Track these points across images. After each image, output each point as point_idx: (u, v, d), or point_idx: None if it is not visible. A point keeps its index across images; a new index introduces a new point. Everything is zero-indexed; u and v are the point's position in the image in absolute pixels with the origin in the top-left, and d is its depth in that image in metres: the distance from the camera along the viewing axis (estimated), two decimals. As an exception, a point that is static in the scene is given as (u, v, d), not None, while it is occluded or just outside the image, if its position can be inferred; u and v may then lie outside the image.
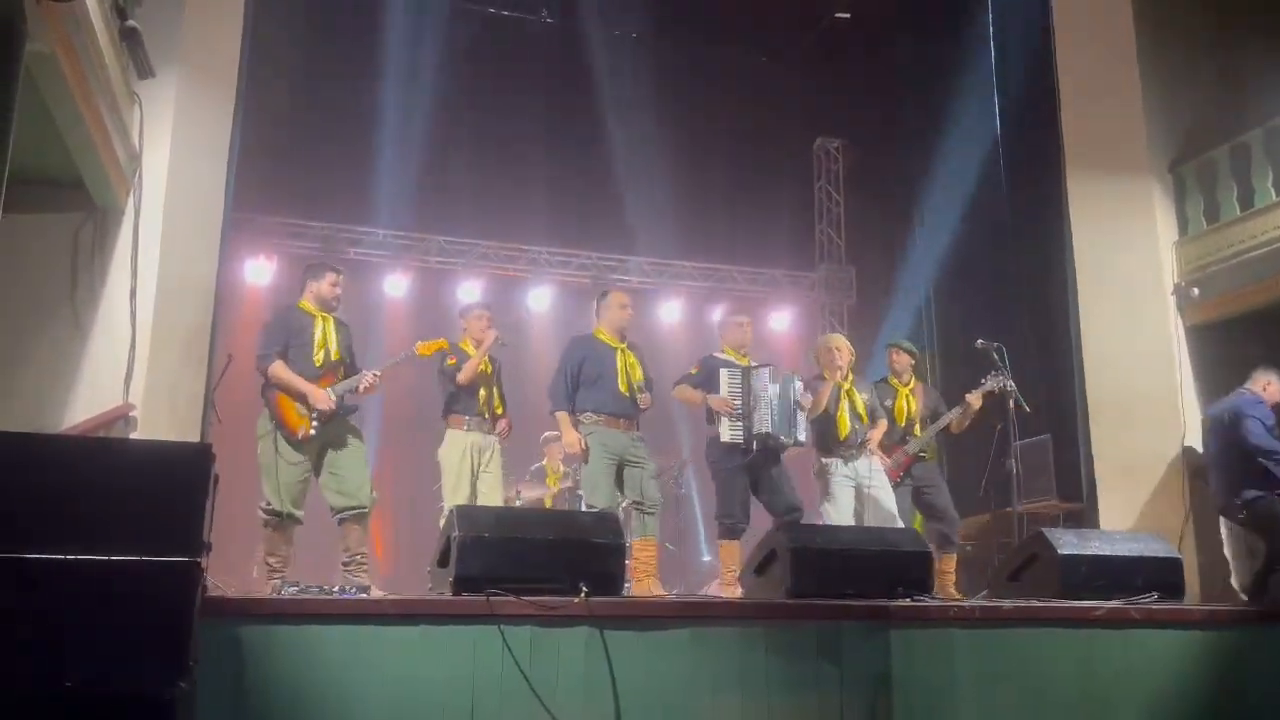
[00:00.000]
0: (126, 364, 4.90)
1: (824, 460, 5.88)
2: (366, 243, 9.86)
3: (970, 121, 9.05)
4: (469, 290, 10.06)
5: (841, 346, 5.99)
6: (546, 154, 9.99)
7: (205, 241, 5.57)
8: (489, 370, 5.75)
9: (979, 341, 6.21)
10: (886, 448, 6.01)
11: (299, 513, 4.95)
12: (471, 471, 5.55)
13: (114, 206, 5.04)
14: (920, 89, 10.00)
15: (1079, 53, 6.98)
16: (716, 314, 10.99)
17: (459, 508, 3.69)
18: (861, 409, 5.90)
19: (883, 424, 5.99)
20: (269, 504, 4.90)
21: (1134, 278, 6.47)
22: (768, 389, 5.51)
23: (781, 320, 11.29)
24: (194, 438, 5.14)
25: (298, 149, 9.02)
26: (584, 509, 5.67)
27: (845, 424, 5.82)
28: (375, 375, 5.12)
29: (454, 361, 5.64)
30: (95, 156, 4.53)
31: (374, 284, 9.79)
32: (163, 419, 5.03)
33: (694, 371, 5.75)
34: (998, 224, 8.80)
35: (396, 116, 9.62)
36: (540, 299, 10.35)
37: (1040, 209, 7.66)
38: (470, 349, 5.72)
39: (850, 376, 5.96)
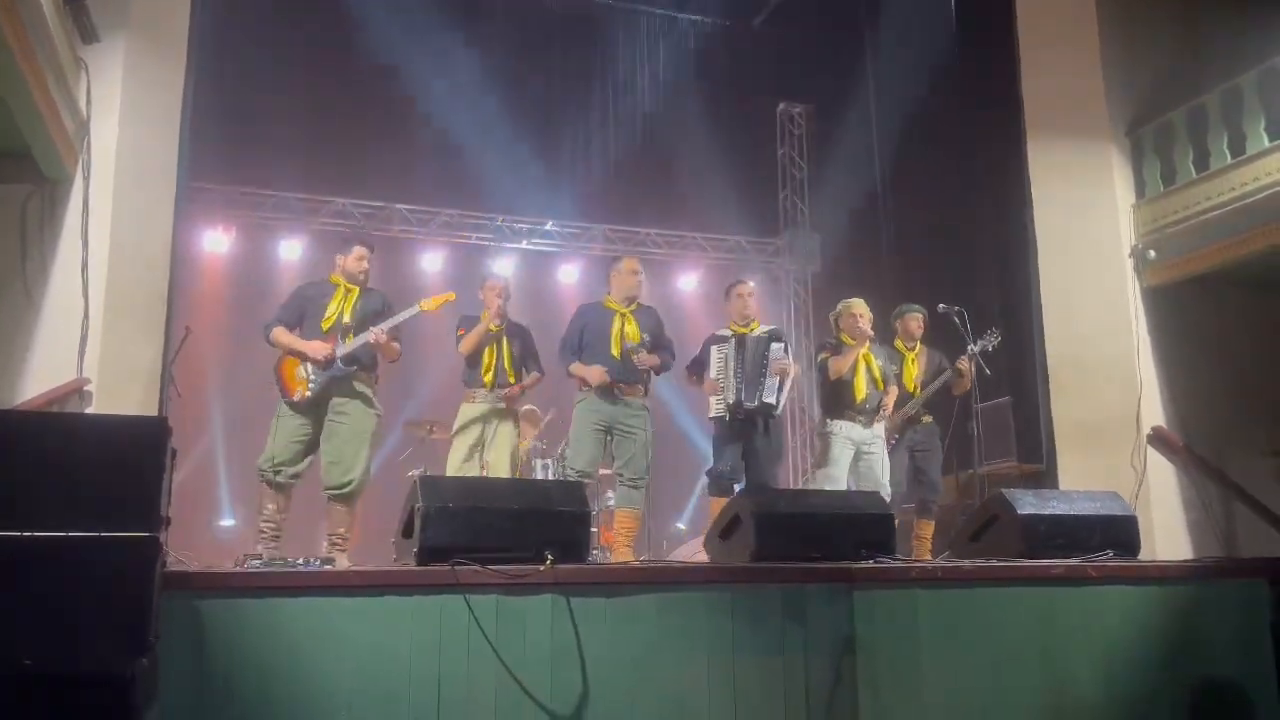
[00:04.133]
0: (80, 337, 4.80)
1: (830, 422, 5.92)
2: (326, 212, 9.72)
3: (932, 85, 9.05)
4: (432, 260, 9.98)
5: (864, 312, 6.01)
6: (508, 121, 9.87)
7: (159, 211, 5.44)
8: (500, 340, 5.73)
9: (940, 306, 6.28)
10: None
11: (290, 470, 4.98)
12: (480, 443, 5.61)
13: (62, 176, 4.91)
14: (883, 53, 9.99)
15: (1039, 15, 6.99)
16: (680, 281, 11.02)
17: (422, 477, 3.67)
18: (878, 374, 5.94)
19: (894, 390, 6.04)
20: (260, 461, 4.99)
21: (1093, 241, 6.54)
22: (732, 359, 5.55)
23: (746, 287, 11.29)
24: (151, 411, 5.06)
25: (255, 116, 8.84)
26: (566, 471, 5.76)
27: (862, 388, 5.86)
28: (381, 331, 5.12)
29: (462, 332, 5.71)
30: (41, 125, 4.40)
31: (335, 253, 9.65)
32: (119, 393, 4.94)
33: (698, 355, 5.84)
34: (960, 188, 8.85)
35: (355, 83, 9.45)
36: (504, 268, 10.27)
37: (1001, 173, 7.70)
38: (487, 320, 5.73)
39: (869, 341, 6.01)
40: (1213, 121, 6.10)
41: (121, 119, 5.14)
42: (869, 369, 5.92)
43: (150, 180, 5.37)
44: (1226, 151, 6.00)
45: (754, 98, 11.33)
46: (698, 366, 5.79)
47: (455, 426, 5.71)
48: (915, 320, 6.34)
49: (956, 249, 8.76)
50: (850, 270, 10.51)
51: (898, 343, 6.33)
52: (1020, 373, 7.19)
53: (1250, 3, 5.99)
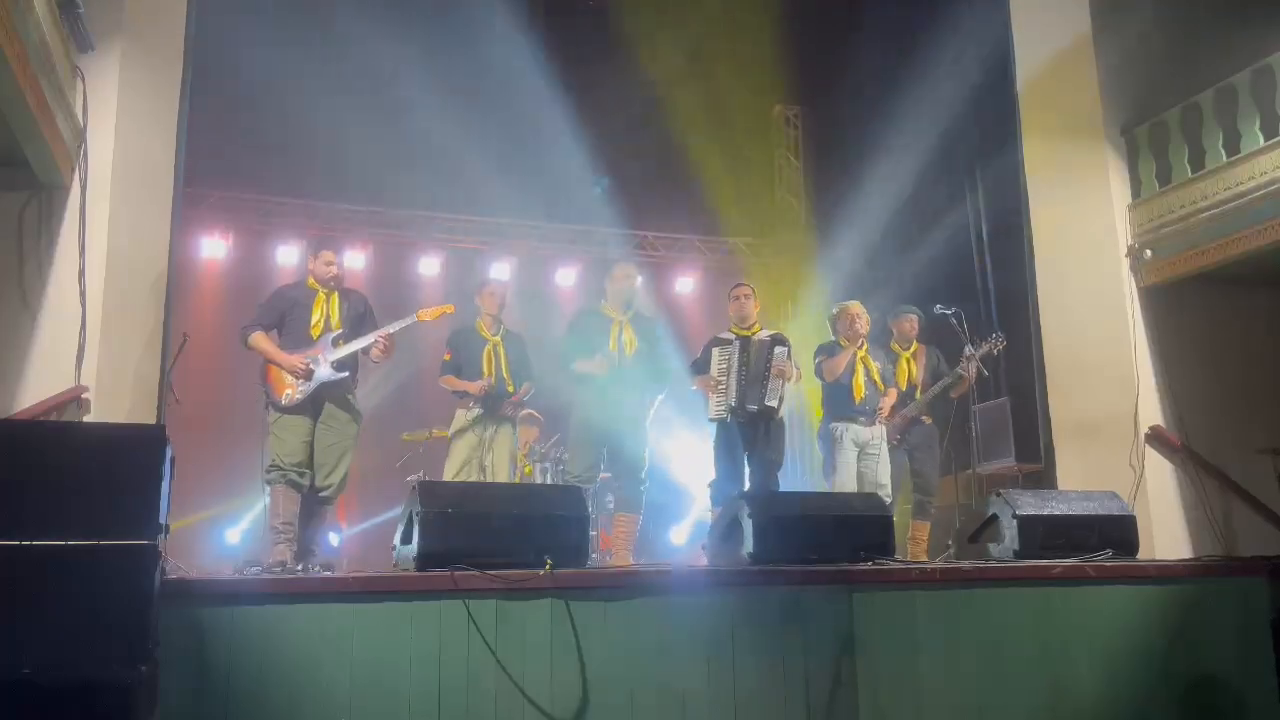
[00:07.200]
0: (78, 345, 4.80)
1: (833, 424, 5.94)
2: (324, 216, 9.70)
3: (928, 86, 9.06)
4: (429, 264, 9.98)
5: (860, 314, 6.05)
6: (506, 124, 9.87)
7: (156, 218, 5.45)
8: (498, 348, 5.86)
9: (937, 307, 6.29)
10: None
11: (299, 471, 4.97)
12: (479, 447, 5.67)
13: (59, 184, 4.91)
14: (879, 54, 9.99)
15: (1034, 15, 7.00)
16: (678, 283, 11.02)
17: (421, 483, 3.68)
18: (876, 375, 5.97)
19: (893, 392, 6.06)
20: (270, 464, 4.97)
21: (1089, 240, 6.55)
22: (733, 360, 5.52)
23: (743, 288, 11.29)
24: (149, 419, 5.06)
25: (251, 121, 8.83)
26: (565, 476, 5.82)
27: (861, 389, 5.90)
28: (385, 335, 5.14)
29: (449, 356, 5.78)
30: (37, 133, 4.41)
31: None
32: (117, 401, 4.94)
33: (699, 357, 5.84)
34: (957, 189, 8.86)
35: (352, 86, 9.44)
36: (502, 271, 10.27)
37: (997, 173, 7.71)
38: (483, 326, 5.84)
39: (865, 343, 6.01)
40: (1207, 120, 6.11)
41: (118, 126, 5.14)
42: (867, 370, 5.94)
43: (147, 187, 5.37)
44: (1221, 150, 6.00)
45: (750, 99, 11.32)
46: (698, 367, 5.79)
47: (452, 430, 5.73)
48: (910, 321, 6.38)
49: (953, 249, 8.76)
50: (847, 272, 10.51)
51: (893, 344, 6.36)
52: (1018, 373, 7.19)
53: (1243, 2, 6.00)
